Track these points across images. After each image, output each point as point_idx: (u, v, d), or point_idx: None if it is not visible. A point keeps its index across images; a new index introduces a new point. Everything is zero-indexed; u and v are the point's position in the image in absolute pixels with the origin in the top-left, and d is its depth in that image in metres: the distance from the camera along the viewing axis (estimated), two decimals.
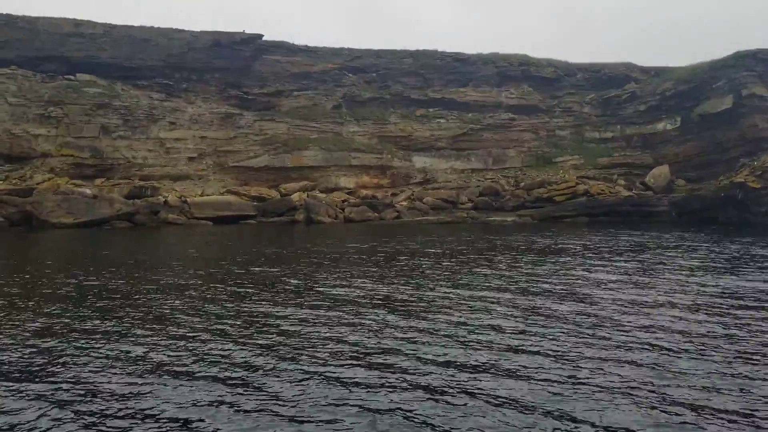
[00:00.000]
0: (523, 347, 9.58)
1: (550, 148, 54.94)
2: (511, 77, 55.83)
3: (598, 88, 57.12)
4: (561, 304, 13.28)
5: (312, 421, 6.73)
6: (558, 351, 9.35)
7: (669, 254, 23.66)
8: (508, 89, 55.45)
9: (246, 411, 7.02)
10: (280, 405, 7.18)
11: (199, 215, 42.69)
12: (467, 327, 10.91)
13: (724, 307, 13.12)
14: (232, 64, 50.14)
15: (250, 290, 14.98)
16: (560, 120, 56.02)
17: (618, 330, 10.79)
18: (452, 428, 6.56)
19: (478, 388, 7.70)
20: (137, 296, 14.05)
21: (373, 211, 46.13)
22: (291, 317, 11.79)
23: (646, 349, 9.58)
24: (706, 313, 12.42)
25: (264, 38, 51.39)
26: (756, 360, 9.08)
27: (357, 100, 53.12)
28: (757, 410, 7.17)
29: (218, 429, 6.57)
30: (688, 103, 52.68)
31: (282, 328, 10.91)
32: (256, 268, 19.11)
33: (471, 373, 8.31)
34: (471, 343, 9.77)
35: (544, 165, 53.92)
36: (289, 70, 52.22)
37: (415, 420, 6.77)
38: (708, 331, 10.79)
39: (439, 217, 46.12)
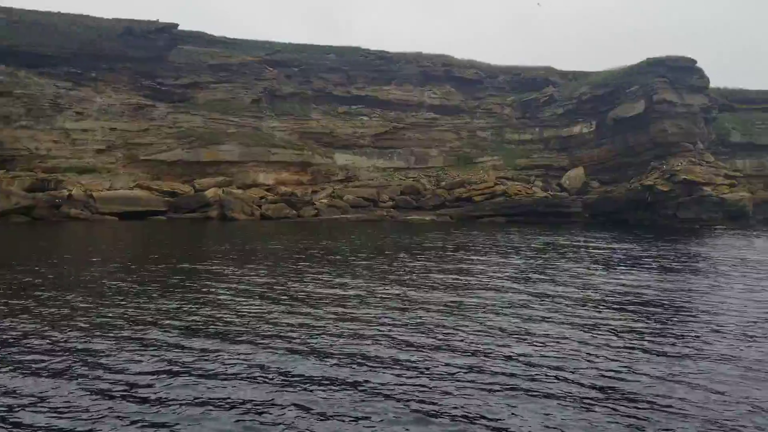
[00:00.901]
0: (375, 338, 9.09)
1: (472, 149, 55.33)
2: (434, 77, 55.90)
3: (518, 90, 57.96)
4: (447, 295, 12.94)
5: None
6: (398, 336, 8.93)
7: (565, 254, 23.90)
8: (431, 89, 55.50)
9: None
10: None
11: (105, 210, 40.62)
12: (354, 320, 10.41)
13: (589, 305, 13.08)
14: (146, 54, 48.00)
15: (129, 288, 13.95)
16: (481, 121, 56.53)
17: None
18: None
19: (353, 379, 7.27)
20: None
21: (292, 208, 45.11)
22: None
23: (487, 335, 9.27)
24: (562, 312, 12.32)
25: (180, 28, 49.46)
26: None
27: (278, 95, 51.92)
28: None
29: None
30: (603, 107, 54.08)
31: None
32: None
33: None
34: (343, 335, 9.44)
35: (466, 165, 54.22)
36: (206, 62, 50.49)
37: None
38: (561, 331, 10.62)
39: (359, 215, 45.59)
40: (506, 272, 17.75)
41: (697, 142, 51.84)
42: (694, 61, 51.28)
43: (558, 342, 9.67)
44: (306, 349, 9.07)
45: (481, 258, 21.31)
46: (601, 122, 54.41)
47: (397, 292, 13.91)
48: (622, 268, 19.34)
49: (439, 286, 14.96)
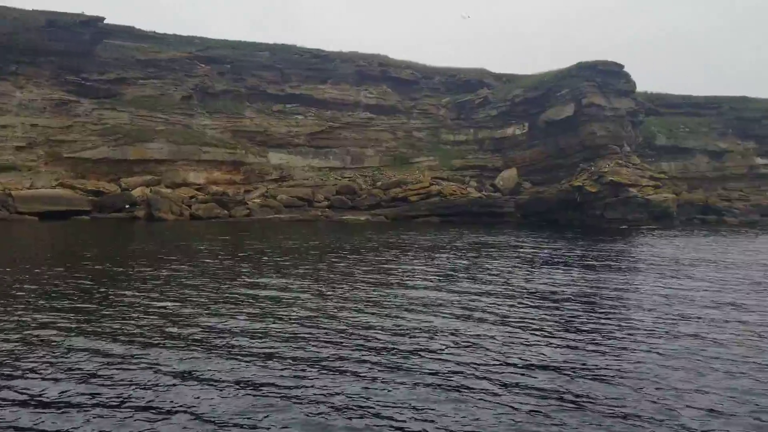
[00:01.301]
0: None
1: (408, 149, 55.48)
2: (371, 77, 55.77)
3: (453, 92, 58.49)
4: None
5: None
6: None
7: (492, 253, 24.09)
8: (367, 88, 55.36)
9: None
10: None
11: (25, 210, 38.73)
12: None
13: (487, 304, 13.12)
14: (70, 48, 46.00)
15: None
16: (417, 121, 56.77)
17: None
18: None
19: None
20: None
21: (223, 208, 44.12)
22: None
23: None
24: (466, 315, 12.31)
25: (107, 21, 47.66)
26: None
27: (209, 92, 50.72)
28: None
29: None
30: (535, 109, 55.17)
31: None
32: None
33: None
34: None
35: (402, 165, 54.33)
36: (134, 57, 48.85)
37: None
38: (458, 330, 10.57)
39: (292, 215, 44.99)
40: (431, 271, 17.68)
41: (624, 144, 53.48)
42: (621, 66, 52.91)
43: (472, 339, 9.58)
44: (218, 350, 8.82)
45: (408, 257, 21.22)
46: (533, 124, 55.51)
47: (319, 291, 13.61)
48: (545, 266, 19.58)
49: (363, 285, 14.74)
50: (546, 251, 25.15)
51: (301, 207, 47.11)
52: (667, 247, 29.14)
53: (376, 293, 13.86)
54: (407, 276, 16.84)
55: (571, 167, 52.70)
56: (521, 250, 25.58)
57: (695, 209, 58.88)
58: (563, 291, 14.97)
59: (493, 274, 17.59)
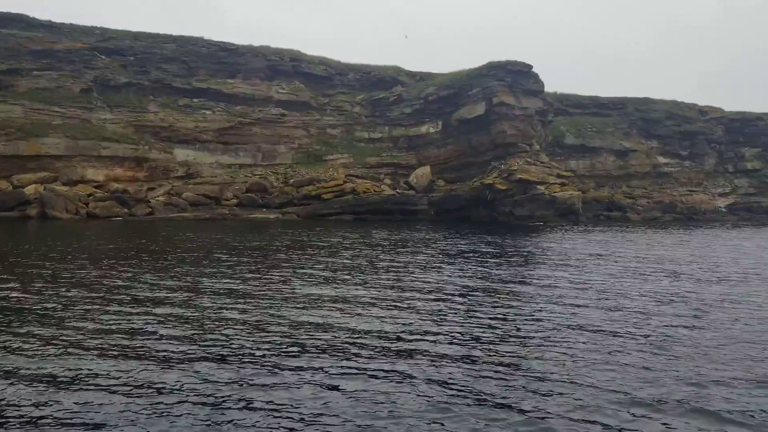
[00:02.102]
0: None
1: (321, 146, 54.69)
2: (282, 72, 54.62)
3: (368, 89, 58.14)
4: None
5: None
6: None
7: (397, 250, 23.77)
8: (279, 84, 54.17)
9: None
10: None
11: None
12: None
13: (401, 300, 12.73)
14: None
15: None
16: (331, 118, 56.03)
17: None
18: None
19: None
20: None
21: (123, 206, 42.09)
22: None
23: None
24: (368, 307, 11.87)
25: None
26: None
27: (110, 85, 48.31)
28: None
29: None
30: (448, 108, 55.54)
31: None
32: None
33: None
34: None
35: (315, 162, 53.50)
36: (27, 47, 45.92)
37: None
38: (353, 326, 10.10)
39: (198, 213, 43.43)
40: (325, 269, 17.08)
41: (534, 143, 54.62)
42: (530, 66, 53.92)
43: (355, 336, 9.06)
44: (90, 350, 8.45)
45: (303, 256, 20.55)
46: (446, 122, 55.88)
47: (197, 290, 12.76)
48: (448, 261, 19.36)
49: (246, 285, 13.97)
50: (451, 247, 25.06)
51: (207, 205, 45.57)
52: (564, 242, 29.72)
53: (259, 292, 13.15)
54: (300, 276, 16.18)
55: (483, 165, 53.35)
56: (429, 247, 25.38)
57: (601, 206, 60.95)
58: (464, 284, 14.83)
59: (396, 270, 17.21)
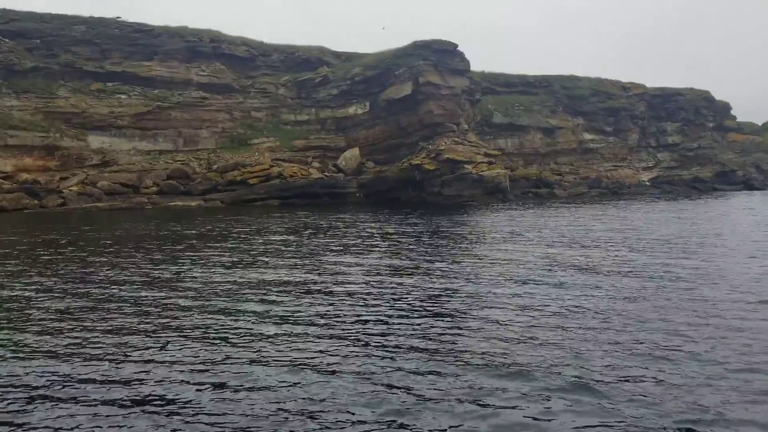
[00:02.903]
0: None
1: (246, 130, 53.09)
2: (202, 53, 52.50)
3: (293, 70, 56.68)
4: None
5: None
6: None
7: (317, 234, 23.09)
8: (199, 66, 52.09)
9: None
10: None
11: None
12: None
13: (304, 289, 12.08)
14: None
15: None
16: (256, 101, 54.39)
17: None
18: None
19: None
20: None
21: (33, 197, 39.82)
22: None
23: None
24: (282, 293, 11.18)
25: None
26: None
27: (16, 70, 45.31)
28: None
29: None
30: (375, 88, 54.79)
31: None
32: None
33: None
34: None
35: (240, 147, 51.92)
36: None
37: None
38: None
39: (113, 203, 41.52)
40: (232, 258, 16.22)
41: (462, 122, 54.61)
42: (455, 45, 53.64)
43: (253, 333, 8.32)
44: None
45: (211, 245, 19.59)
46: (374, 103, 55.14)
47: (84, 284, 11.75)
48: (370, 243, 18.78)
49: (143, 276, 13.02)
50: (376, 229, 24.51)
51: (125, 194, 43.65)
52: (486, 220, 29.68)
53: (149, 285, 12.23)
54: (200, 266, 15.28)
55: (412, 146, 53.01)
56: (354, 229, 24.74)
57: (530, 183, 61.75)
58: (389, 264, 14.41)
59: (315, 254, 16.51)
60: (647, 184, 69.77)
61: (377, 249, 18.65)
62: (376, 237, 22.15)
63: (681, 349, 8.00)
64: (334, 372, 7.19)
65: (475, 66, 60.09)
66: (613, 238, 21.18)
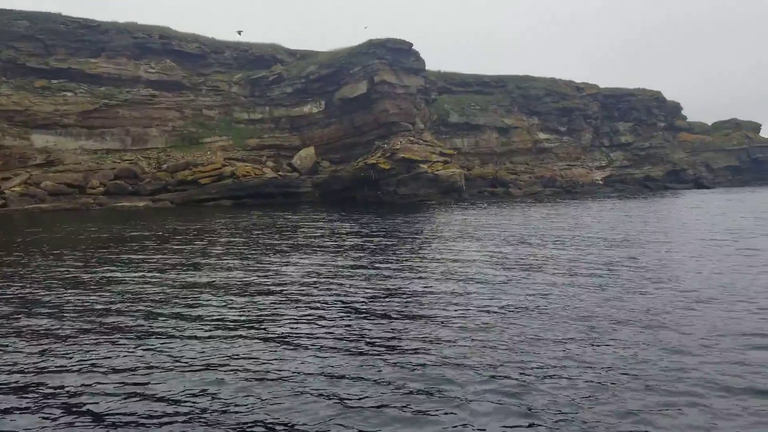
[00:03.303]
0: None
1: (197, 128, 51.98)
2: (151, 50, 51.18)
3: (246, 68, 55.76)
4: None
5: None
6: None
7: (259, 236, 22.53)
8: (148, 63, 50.78)
9: None
10: None
11: None
12: None
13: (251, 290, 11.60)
14: None
15: None
16: (208, 99, 53.30)
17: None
18: None
19: None
20: None
21: None
22: None
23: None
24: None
25: None
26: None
27: None
28: None
29: None
30: (330, 87, 54.28)
31: None
32: None
33: None
34: None
35: (191, 146, 50.81)
36: None
37: None
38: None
39: (58, 204, 40.13)
40: (170, 261, 15.58)
41: (417, 122, 54.46)
42: (411, 44, 53.50)
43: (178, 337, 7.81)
44: None
45: (152, 247, 18.88)
46: (329, 102, 54.63)
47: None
48: (319, 244, 18.33)
49: (71, 280, 12.33)
50: (328, 229, 24.05)
51: (70, 195, 42.27)
52: (441, 219, 29.53)
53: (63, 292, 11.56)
54: (131, 270, 14.62)
55: (368, 145, 52.66)
56: (304, 229, 24.23)
57: (486, 182, 62.11)
58: (340, 265, 13.90)
59: (256, 255, 15.97)
60: (600, 182, 70.88)
61: (324, 249, 18.23)
62: (325, 237, 21.72)
63: (614, 348, 7.83)
64: (262, 379, 6.84)
65: (431, 65, 60.21)
66: (561, 236, 21.18)
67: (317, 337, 8.46)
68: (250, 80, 54.99)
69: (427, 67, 56.62)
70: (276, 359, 7.51)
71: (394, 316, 9.69)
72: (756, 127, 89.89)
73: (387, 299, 10.95)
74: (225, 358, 7.54)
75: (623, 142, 77.18)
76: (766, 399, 6.17)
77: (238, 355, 7.69)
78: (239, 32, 56.56)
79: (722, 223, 25.47)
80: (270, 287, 12.12)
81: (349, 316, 9.67)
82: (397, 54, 52.81)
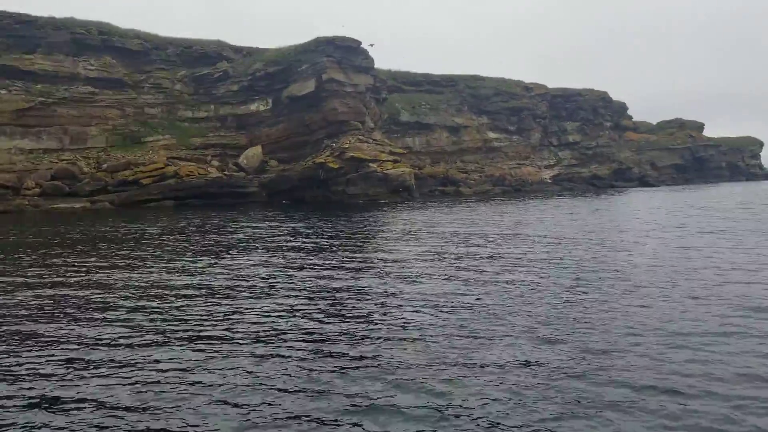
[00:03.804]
0: None
1: (139, 127, 50.37)
2: (91, 46, 49.32)
3: (190, 64, 54.33)
4: None
5: None
6: None
7: (189, 239, 21.72)
8: (87, 60, 48.92)
9: None
10: None
11: None
12: None
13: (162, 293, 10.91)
14: None
15: None
16: (150, 96, 51.71)
17: None
18: None
19: None
20: None
21: None
22: None
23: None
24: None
25: None
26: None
27: None
28: None
29: None
30: (278, 85, 53.35)
31: None
32: None
33: None
34: None
35: (133, 145, 49.16)
36: None
37: None
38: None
39: None
40: (97, 263, 14.71)
41: (367, 120, 54.00)
42: (359, 42, 53.01)
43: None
44: None
45: (74, 250, 17.91)
46: (277, 100, 53.70)
47: None
48: (248, 247, 17.65)
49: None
50: (263, 229, 23.34)
51: (3, 196, 40.39)
52: (385, 218, 29.17)
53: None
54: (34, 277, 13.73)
55: (317, 144, 51.97)
56: (242, 232, 23.46)
57: (437, 181, 62.17)
58: (277, 265, 13.19)
59: (181, 257, 15.22)
60: (549, 181, 71.77)
61: (259, 250, 17.60)
62: (262, 238, 21.05)
63: (548, 344, 7.55)
64: (180, 382, 6.40)
65: (383, 64, 59.95)
66: (503, 233, 21.05)
67: (240, 340, 7.96)
68: (195, 77, 53.64)
69: (377, 66, 56.25)
70: (189, 363, 7.12)
71: (319, 316, 9.32)
72: (699, 127, 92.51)
73: (319, 300, 10.61)
74: (139, 361, 7.05)
75: (571, 142, 78.35)
76: (677, 397, 5.91)
77: (158, 359, 7.13)
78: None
79: (662, 220, 25.78)
80: (192, 291, 11.49)
81: (281, 317, 9.35)
82: (345, 52, 52.23)
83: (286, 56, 53.59)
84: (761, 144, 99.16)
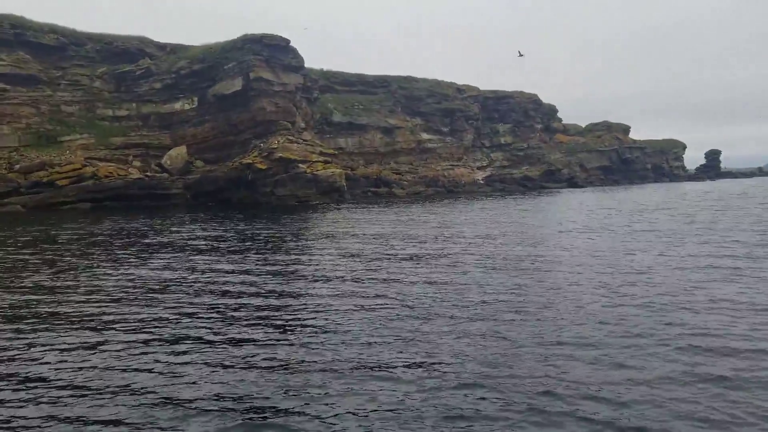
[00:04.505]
0: None
1: (55, 126, 47.88)
2: (3, 41, 46.56)
3: (110, 61, 52.06)
4: None
5: None
6: None
7: (98, 242, 20.43)
8: None
9: None
10: None
11: None
12: None
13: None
14: None
15: None
16: (67, 94, 49.26)
17: None
18: None
19: None
20: None
21: None
22: None
23: None
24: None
25: None
26: None
27: None
28: None
29: None
30: (203, 83, 51.77)
31: None
32: None
33: None
34: None
35: (48, 145, 46.70)
36: None
37: None
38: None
39: None
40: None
41: (297, 120, 52.99)
42: (288, 41, 51.97)
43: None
44: None
45: None
46: (202, 99, 52.08)
47: None
48: (158, 252, 16.55)
49: None
50: (181, 232, 22.14)
51: None
52: (311, 220, 28.42)
53: None
54: None
55: (244, 144, 50.64)
56: (156, 237, 22.18)
57: (369, 183, 61.59)
58: (189, 270, 12.15)
59: (82, 264, 14.01)
60: (481, 182, 72.34)
61: (170, 253, 16.55)
62: (178, 243, 19.92)
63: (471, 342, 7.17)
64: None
65: (315, 64, 59.12)
66: (427, 234, 20.66)
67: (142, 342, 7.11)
68: (116, 74, 51.44)
69: (308, 65, 55.38)
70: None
71: (220, 323, 8.45)
72: (626, 129, 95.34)
73: (222, 305, 9.77)
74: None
75: (503, 143, 79.34)
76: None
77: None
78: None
79: (585, 219, 25.97)
80: (91, 296, 10.47)
81: (193, 321, 8.84)
82: (274, 50, 51.11)
83: (213, 54, 52.05)
84: (684, 146, 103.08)
